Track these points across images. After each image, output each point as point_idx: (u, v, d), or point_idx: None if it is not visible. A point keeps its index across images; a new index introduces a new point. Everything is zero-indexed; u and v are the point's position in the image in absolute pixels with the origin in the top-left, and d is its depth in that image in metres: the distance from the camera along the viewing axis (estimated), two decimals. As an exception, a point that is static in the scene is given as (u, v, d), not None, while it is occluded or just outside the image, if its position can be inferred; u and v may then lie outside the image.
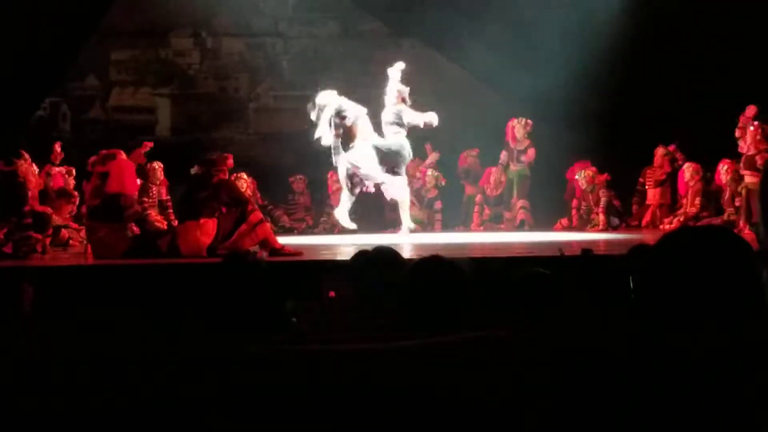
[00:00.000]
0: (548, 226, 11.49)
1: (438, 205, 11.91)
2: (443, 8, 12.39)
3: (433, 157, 12.04)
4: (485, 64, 12.48)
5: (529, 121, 11.55)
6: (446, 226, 11.91)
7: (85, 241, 8.15)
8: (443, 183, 11.94)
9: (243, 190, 10.31)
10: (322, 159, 12.37)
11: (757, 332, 1.55)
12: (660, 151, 11.27)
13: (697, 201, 10.48)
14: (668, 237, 1.86)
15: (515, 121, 11.56)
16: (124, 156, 7.69)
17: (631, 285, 1.92)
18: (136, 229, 7.71)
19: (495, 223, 11.81)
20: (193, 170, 7.98)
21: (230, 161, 8.61)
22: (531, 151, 11.54)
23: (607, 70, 11.00)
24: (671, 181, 11.18)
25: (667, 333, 1.72)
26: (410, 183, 10.55)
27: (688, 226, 1.95)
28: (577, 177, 11.35)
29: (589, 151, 11.58)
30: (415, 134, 9.96)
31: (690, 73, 10.81)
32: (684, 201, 10.71)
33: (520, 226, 11.44)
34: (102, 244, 7.36)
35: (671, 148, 11.22)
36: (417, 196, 11.80)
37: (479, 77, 13.25)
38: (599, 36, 10.93)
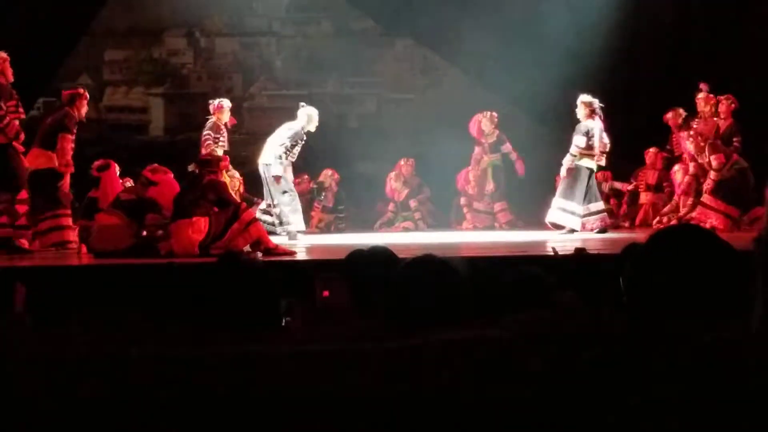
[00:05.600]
0: (542, 226, 11.49)
1: (412, 203, 11.89)
2: (437, 7, 12.39)
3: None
4: (479, 63, 12.49)
5: (494, 113, 11.53)
6: (434, 225, 11.91)
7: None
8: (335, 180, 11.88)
9: (236, 188, 10.34)
10: (314, 159, 12.40)
11: (742, 330, 1.56)
12: (652, 151, 11.33)
13: (689, 201, 10.52)
14: (655, 236, 1.88)
15: (480, 115, 11.54)
16: (171, 175, 8.06)
17: (622, 284, 1.92)
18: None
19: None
20: (190, 168, 8.05)
21: (225, 163, 8.65)
22: (508, 144, 11.50)
23: (603, 69, 11.01)
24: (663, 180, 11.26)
25: (656, 331, 1.72)
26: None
27: (674, 225, 1.98)
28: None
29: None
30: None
31: (683, 72, 10.84)
32: (677, 200, 10.76)
33: (511, 227, 11.41)
34: (109, 231, 7.38)
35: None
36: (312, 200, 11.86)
37: (473, 77, 13.25)
38: (595, 34, 10.94)
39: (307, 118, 9.61)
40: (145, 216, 7.57)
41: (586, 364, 1.82)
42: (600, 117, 9.71)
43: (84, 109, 9.08)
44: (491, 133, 11.52)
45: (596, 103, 9.67)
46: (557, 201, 9.93)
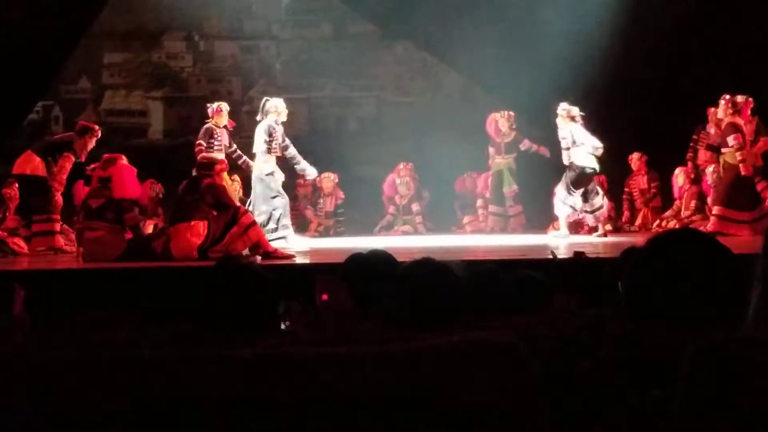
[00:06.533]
0: (542, 229, 11.52)
1: (414, 207, 11.88)
2: (436, 11, 12.40)
3: None
4: (479, 66, 12.50)
5: (511, 113, 11.50)
6: (433, 229, 11.91)
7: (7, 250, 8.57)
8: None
9: (236, 191, 10.33)
10: (313, 162, 12.39)
11: (741, 332, 1.57)
12: (635, 156, 11.36)
13: (692, 204, 10.53)
14: (654, 240, 1.88)
15: (497, 114, 11.49)
16: (124, 161, 7.95)
17: (620, 288, 1.93)
18: (129, 234, 7.74)
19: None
20: (195, 172, 8.09)
21: (223, 166, 8.64)
22: (526, 141, 11.44)
23: (601, 73, 11.02)
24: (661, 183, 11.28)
25: (654, 334, 1.73)
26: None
27: (671, 229, 1.99)
28: None
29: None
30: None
31: (680, 77, 10.86)
32: (679, 203, 10.76)
33: (492, 233, 11.41)
34: (97, 244, 7.37)
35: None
36: (314, 204, 11.86)
37: (472, 80, 13.26)
38: (594, 38, 10.95)
39: (274, 110, 9.50)
40: (122, 217, 7.55)
41: (584, 366, 1.82)
42: (581, 124, 9.70)
43: (91, 146, 9.15)
44: (508, 133, 11.48)
45: (575, 111, 9.68)
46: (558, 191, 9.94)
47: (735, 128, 9.28)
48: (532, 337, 2.20)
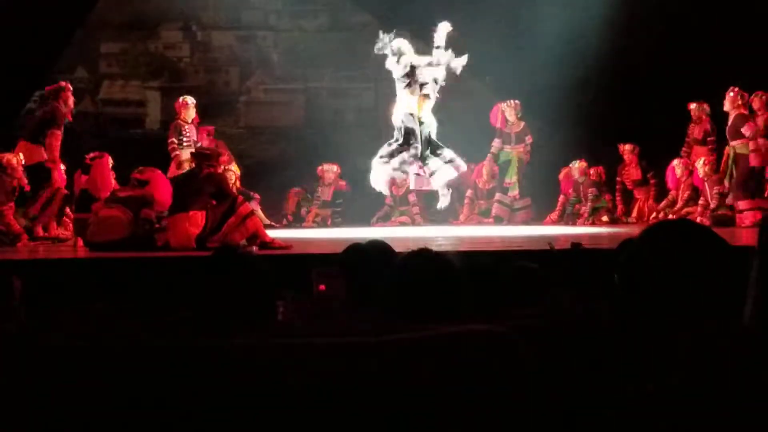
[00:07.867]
0: (540, 220, 11.55)
1: (412, 197, 11.87)
2: (433, 1, 12.38)
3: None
4: (476, 58, 12.47)
5: (517, 102, 11.49)
6: (431, 220, 11.92)
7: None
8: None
9: (232, 182, 10.33)
10: (313, 152, 12.39)
11: (737, 322, 1.57)
12: (627, 148, 11.37)
13: (686, 195, 10.54)
14: (649, 231, 1.88)
15: (503, 104, 11.49)
16: (159, 171, 8.07)
17: (616, 279, 1.93)
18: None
19: (486, 217, 11.78)
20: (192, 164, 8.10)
21: (224, 158, 8.65)
22: (529, 137, 11.48)
23: (601, 66, 11.02)
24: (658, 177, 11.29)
25: (650, 325, 1.73)
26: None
27: (666, 220, 1.99)
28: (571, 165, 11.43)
29: (583, 147, 11.62)
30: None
31: (677, 69, 10.87)
32: (674, 194, 10.77)
33: (497, 222, 11.42)
34: (108, 222, 7.38)
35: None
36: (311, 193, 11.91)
37: (470, 71, 13.23)
38: (592, 31, 10.95)
39: None
40: (140, 210, 7.57)
41: (581, 357, 1.83)
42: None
43: (71, 101, 8.99)
44: (515, 122, 11.47)
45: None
46: None
47: (746, 118, 9.34)
48: (529, 330, 2.20)
